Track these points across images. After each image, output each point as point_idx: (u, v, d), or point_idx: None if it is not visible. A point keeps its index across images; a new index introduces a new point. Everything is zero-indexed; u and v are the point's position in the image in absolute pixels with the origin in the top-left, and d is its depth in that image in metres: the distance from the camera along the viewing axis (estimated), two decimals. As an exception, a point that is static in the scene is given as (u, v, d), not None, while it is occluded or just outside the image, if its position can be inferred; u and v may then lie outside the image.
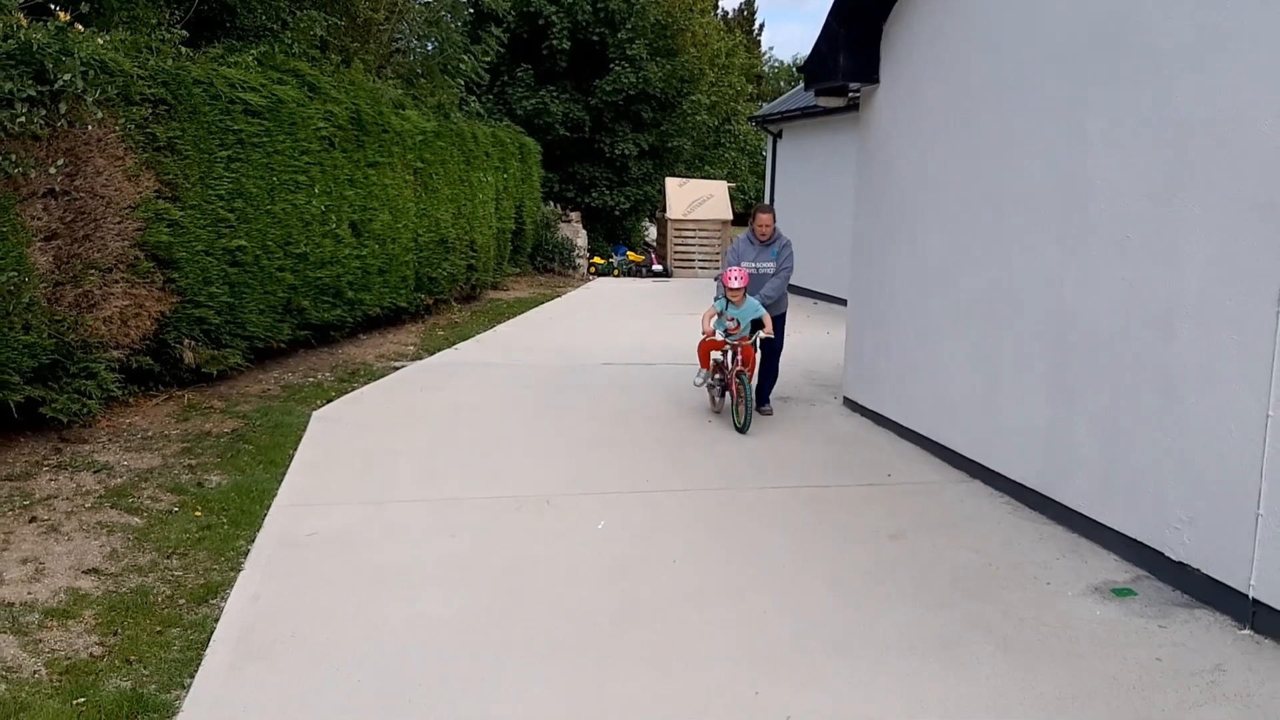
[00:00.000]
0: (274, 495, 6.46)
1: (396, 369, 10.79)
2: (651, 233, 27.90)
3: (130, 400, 8.08)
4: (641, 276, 23.17)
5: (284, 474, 6.90)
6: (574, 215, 23.37)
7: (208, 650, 4.41)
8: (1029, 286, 6.37)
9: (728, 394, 8.57)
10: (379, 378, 10.27)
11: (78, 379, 7.13)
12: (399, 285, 12.63)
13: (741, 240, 8.83)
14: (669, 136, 25.68)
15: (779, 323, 8.74)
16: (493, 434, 8.20)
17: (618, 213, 25.39)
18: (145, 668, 4.23)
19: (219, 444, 7.45)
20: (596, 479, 7.03)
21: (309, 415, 8.49)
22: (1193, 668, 4.44)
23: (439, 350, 12.09)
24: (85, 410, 7.07)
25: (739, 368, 8.17)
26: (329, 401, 9.06)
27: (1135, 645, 4.65)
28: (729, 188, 25.17)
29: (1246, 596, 4.77)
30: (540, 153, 20.51)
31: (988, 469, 6.88)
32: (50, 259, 6.93)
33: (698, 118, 26.09)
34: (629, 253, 24.51)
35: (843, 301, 11.09)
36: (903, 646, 4.60)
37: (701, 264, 23.68)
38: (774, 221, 8.70)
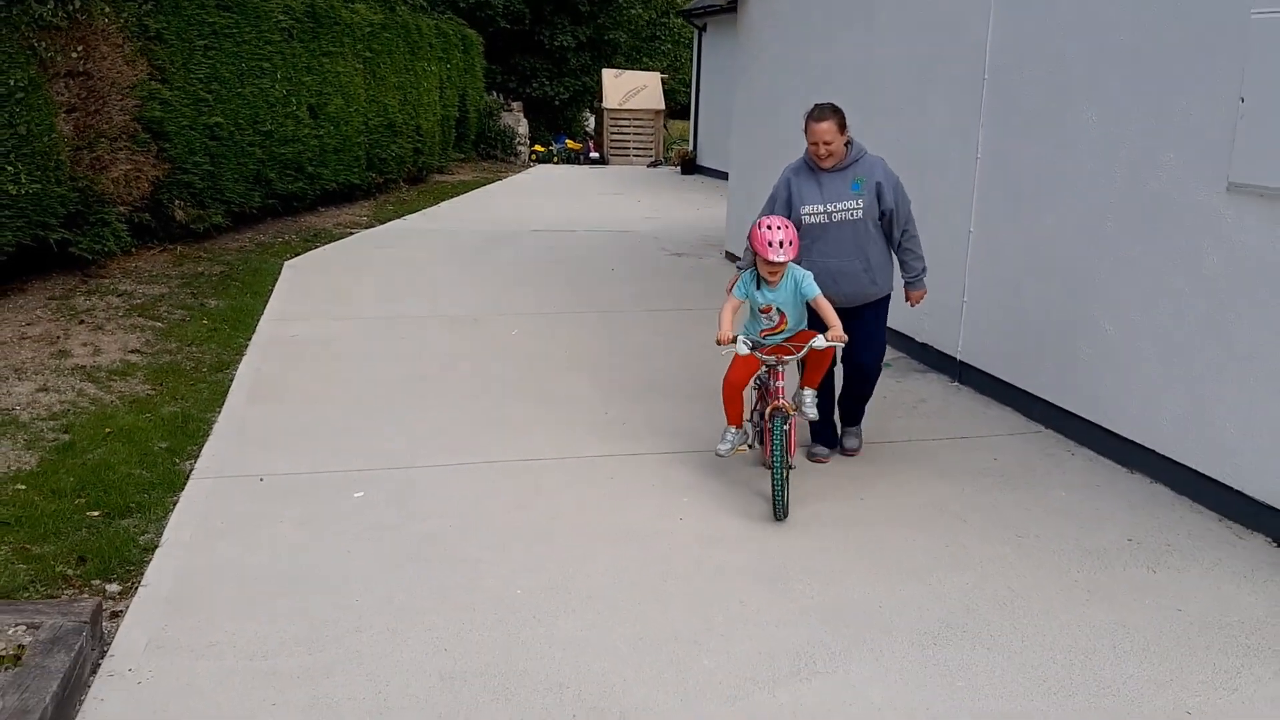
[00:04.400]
0: (261, 313, 8.33)
1: (352, 234, 12.57)
2: (591, 123, 29.41)
3: (133, 250, 9.83)
4: (580, 163, 24.83)
5: (267, 301, 8.76)
6: (515, 105, 24.87)
7: (228, 395, 6.34)
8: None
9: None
10: (338, 239, 12.07)
11: (96, 227, 8.87)
12: (352, 163, 14.31)
13: (793, 170, 5.31)
14: (606, 29, 27.05)
15: (878, 312, 5.44)
16: (434, 277, 10.09)
17: (557, 103, 26.87)
18: (187, 402, 6.15)
19: (211, 280, 9.27)
20: (515, 305, 8.96)
21: (281, 264, 10.31)
22: (909, 401, 6.53)
23: (389, 220, 13.87)
24: (105, 250, 8.83)
25: (776, 402, 4.77)
26: (297, 255, 10.87)
27: (881, 392, 6.67)
28: (663, 79, 26.73)
29: (956, 359, 6.85)
30: (482, 44, 21.91)
31: (817, 294, 8.88)
32: (71, 128, 8.61)
33: (633, 11, 27.43)
34: (568, 141, 26.09)
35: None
36: (713, 392, 6.63)
37: (636, 152, 25.38)
38: (843, 131, 5.07)
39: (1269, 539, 4.50)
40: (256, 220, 12.25)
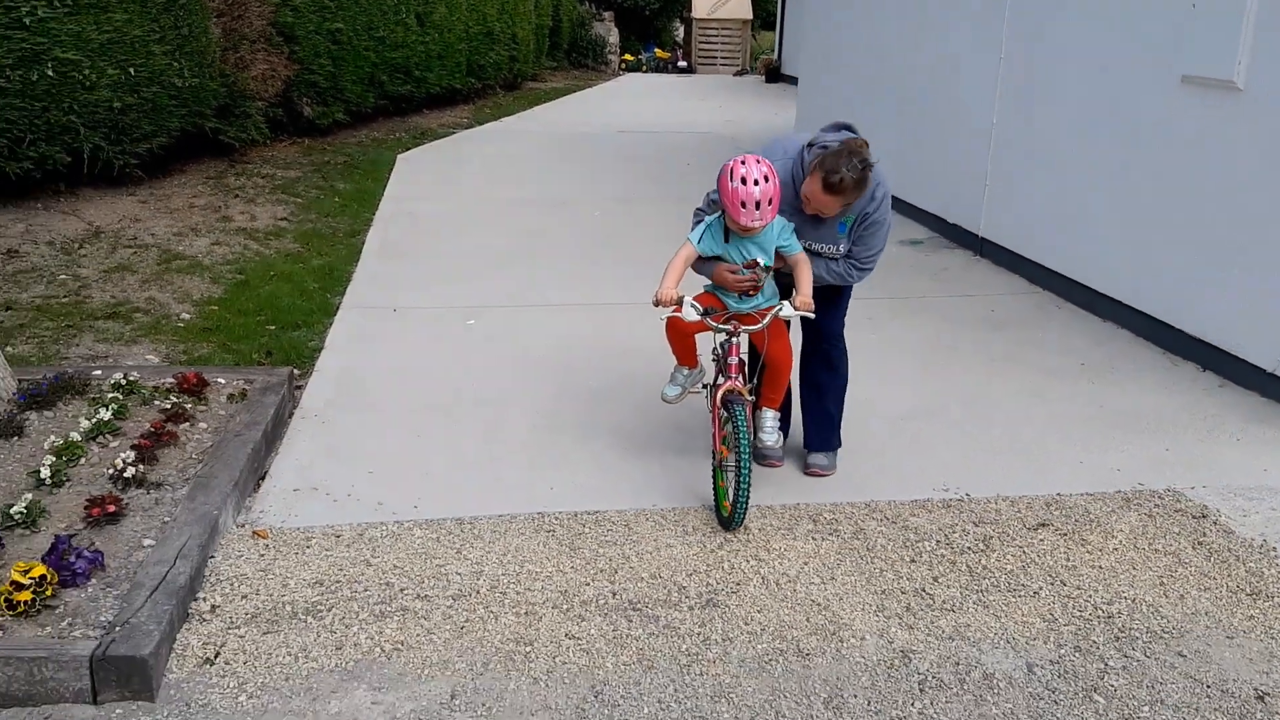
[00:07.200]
0: (381, 195, 9.68)
1: (455, 132, 13.85)
2: (680, 32, 30.09)
3: (268, 141, 11.25)
4: (668, 72, 25.68)
5: (385, 185, 10.11)
6: (607, 15, 25.73)
7: (362, 253, 7.70)
8: (896, 55, 9.24)
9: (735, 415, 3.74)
10: (442, 137, 13.36)
11: (240, 119, 10.28)
12: (454, 69, 15.54)
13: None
14: (696, -60, 27.54)
15: (837, 304, 4.30)
16: (528, 168, 11.34)
17: (648, 12, 27.62)
18: (330, 257, 7.53)
19: (337, 168, 10.66)
20: (600, 193, 10.17)
21: (395, 156, 11.66)
22: (932, 270, 7.60)
23: (487, 122, 15.11)
24: (248, 138, 10.26)
25: (732, 384, 3.82)
26: (408, 149, 12.20)
27: (910, 264, 7.79)
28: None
29: (978, 236, 7.88)
30: (575, -45, 22.79)
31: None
32: (220, 31, 9.97)
33: (723, -78, 27.81)
34: (657, 50, 26.90)
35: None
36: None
37: (724, 61, 26.11)
38: (858, 189, 3.76)
39: (1198, 366, 5.54)
40: (370, 119, 13.60)
